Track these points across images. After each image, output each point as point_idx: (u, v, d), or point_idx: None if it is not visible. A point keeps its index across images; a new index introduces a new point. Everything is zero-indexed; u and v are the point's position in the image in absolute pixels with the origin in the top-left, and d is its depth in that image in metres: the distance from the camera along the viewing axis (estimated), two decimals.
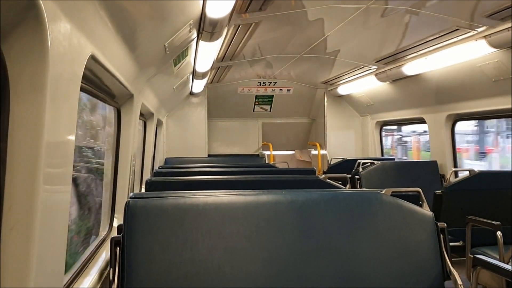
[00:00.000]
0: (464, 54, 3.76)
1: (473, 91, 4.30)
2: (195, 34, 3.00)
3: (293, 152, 8.92)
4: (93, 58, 1.62)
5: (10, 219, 1.10)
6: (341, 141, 7.63)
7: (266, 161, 6.97)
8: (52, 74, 1.15)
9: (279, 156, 8.49)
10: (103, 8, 1.50)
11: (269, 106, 8.05)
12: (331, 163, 6.76)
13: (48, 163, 1.17)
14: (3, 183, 1.09)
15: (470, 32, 3.41)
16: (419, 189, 2.05)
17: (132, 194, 1.77)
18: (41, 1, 1.03)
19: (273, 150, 8.03)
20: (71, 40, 1.29)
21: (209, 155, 7.50)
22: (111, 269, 1.59)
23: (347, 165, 5.67)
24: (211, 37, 3.15)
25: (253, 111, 8.09)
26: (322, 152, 7.69)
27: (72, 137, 1.39)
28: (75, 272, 2.00)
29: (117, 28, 1.77)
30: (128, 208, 1.63)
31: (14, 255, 1.11)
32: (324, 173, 6.18)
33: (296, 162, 8.82)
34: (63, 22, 1.21)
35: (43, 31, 1.08)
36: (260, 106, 8.04)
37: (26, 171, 1.11)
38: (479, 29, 3.33)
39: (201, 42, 3.31)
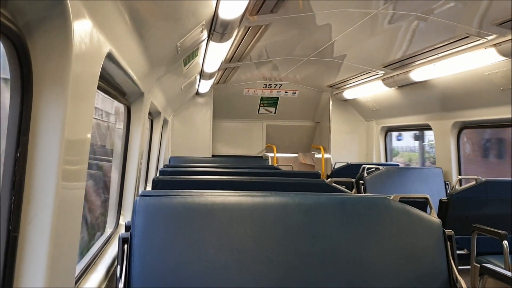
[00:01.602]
0: (473, 62, 3.75)
1: (480, 99, 4.29)
2: (206, 35, 3.02)
3: (296, 155, 8.92)
4: (109, 55, 1.64)
5: (29, 213, 1.12)
6: (345, 146, 7.63)
7: (270, 163, 6.97)
8: (74, 71, 1.16)
9: (282, 158, 8.49)
10: (123, 6, 1.51)
11: (274, 108, 8.06)
12: (335, 167, 6.77)
13: (66, 160, 1.19)
14: (23, 176, 1.11)
15: (479, 40, 3.41)
16: (428, 196, 2.05)
17: (141, 191, 1.77)
18: None
19: (277, 153, 8.04)
20: (91, 38, 1.30)
21: (213, 156, 7.51)
22: (119, 266, 1.59)
23: (351, 170, 5.68)
24: (222, 38, 3.17)
25: (258, 113, 8.10)
26: (326, 156, 7.69)
27: (88, 135, 1.40)
28: (83, 268, 2.01)
29: (134, 26, 1.79)
30: (137, 205, 1.64)
31: (31, 247, 1.12)
32: (328, 177, 6.18)
33: (299, 165, 8.82)
34: (86, 20, 1.23)
35: (68, 28, 1.09)
36: (265, 108, 8.06)
37: (46, 166, 1.13)
38: (489, 37, 3.33)
39: (211, 43, 3.33)
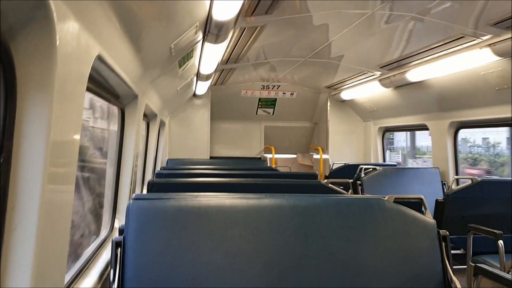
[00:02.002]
0: (469, 62, 3.75)
1: (476, 99, 4.29)
2: (200, 36, 3.01)
3: (295, 156, 8.92)
4: (99, 58, 1.63)
5: (13, 219, 1.10)
6: (343, 146, 7.63)
7: (268, 165, 6.97)
8: (59, 74, 1.15)
9: (281, 159, 8.49)
10: (111, 9, 1.50)
11: (272, 109, 8.05)
12: (333, 167, 6.77)
13: (53, 163, 1.17)
14: (7, 182, 1.10)
15: (475, 40, 3.41)
16: (422, 196, 2.05)
17: (134, 195, 1.76)
18: (50, 1, 1.03)
19: (275, 154, 8.03)
20: (79, 40, 1.29)
21: (211, 157, 7.50)
22: (112, 270, 1.58)
23: (349, 170, 5.68)
24: (217, 39, 3.16)
25: (256, 114, 8.09)
26: (324, 156, 7.69)
27: (77, 137, 1.39)
28: (75, 273, 1.99)
29: (124, 28, 1.78)
30: (130, 209, 1.63)
31: (16, 254, 1.11)
32: (326, 177, 6.19)
33: (297, 166, 8.83)
34: (72, 22, 1.21)
35: (52, 30, 1.08)
36: (263, 109, 8.05)
37: (31, 170, 1.11)
38: (484, 37, 3.33)
39: (206, 44, 3.32)
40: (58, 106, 1.17)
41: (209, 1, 2.37)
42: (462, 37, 3.40)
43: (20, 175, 1.11)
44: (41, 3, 1.02)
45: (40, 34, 1.08)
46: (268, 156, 7.91)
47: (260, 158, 8.03)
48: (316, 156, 7.94)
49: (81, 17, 1.28)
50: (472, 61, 3.71)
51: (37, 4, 1.02)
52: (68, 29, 1.19)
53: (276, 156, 8.11)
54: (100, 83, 2.17)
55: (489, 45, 3.40)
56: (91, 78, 1.89)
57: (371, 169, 4.77)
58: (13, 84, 1.09)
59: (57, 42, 1.11)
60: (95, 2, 1.36)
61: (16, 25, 1.05)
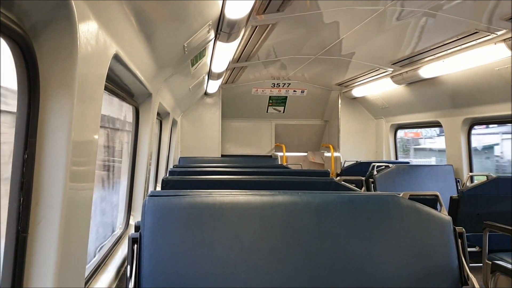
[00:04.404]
0: (483, 57, 3.71)
1: (491, 95, 4.24)
2: (213, 35, 3.03)
3: (305, 154, 8.91)
4: (116, 57, 1.65)
5: (38, 214, 1.13)
6: (354, 144, 7.60)
7: (279, 163, 6.96)
8: (80, 72, 1.17)
9: (291, 157, 8.48)
10: (128, 8, 1.52)
11: (283, 107, 8.05)
12: (344, 165, 6.74)
13: (74, 161, 1.20)
14: (32, 177, 1.12)
15: (489, 35, 3.37)
16: (437, 193, 2.03)
17: (150, 191, 1.78)
18: (72, 0, 1.05)
19: (286, 152, 8.03)
20: (98, 39, 1.31)
21: (222, 156, 7.53)
22: (129, 266, 1.59)
23: (360, 168, 5.65)
24: (229, 38, 3.17)
25: (267, 112, 8.10)
26: (335, 154, 7.66)
27: (96, 136, 1.41)
28: (93, 269, 2.02)
29: (140, 27, 1.80)
30: (146, 205, 1.64)
31: (40, 248, 1.14)
32: (338, 175, 6.16)
33: (308, 164, 8.81)
34: (92, 21, 1.23)
35: (73, 30, 1.10)
36: (273, 107, 8.05)
37: (54, 167, 1.14)
38: (499, 33, 3.30)
39: (218, 43, 3.33)
40: (78, 105, 1.19)
41: (221, 0, 2.38)
42: (476, 32, 3.37)
43: (43, 171, 1.13)
44: (62, 2, 1.04)
45: (62, 33, 1.10)
46: (279, 154, 7.91)
47: (271, 156, 8.04)
48: (327, 154, 7.92)
49: (100, 16, 1.30)
50: (487, 56, 3.66)
51: (59, 3, 1.04)
52: (88, 28, 1.21)
53: (287, 154, 8.11)
54: (116, 82, 2.20)
55: (504, 40, 3.36)
56: (108, 77, 1.91)
57: (383, 167, 4.75)
58: (36, 82, 1.11)
59: (78, 41, 1.13)
60: (114, 1, 1.38)
61: (39, 25, 1.07)
